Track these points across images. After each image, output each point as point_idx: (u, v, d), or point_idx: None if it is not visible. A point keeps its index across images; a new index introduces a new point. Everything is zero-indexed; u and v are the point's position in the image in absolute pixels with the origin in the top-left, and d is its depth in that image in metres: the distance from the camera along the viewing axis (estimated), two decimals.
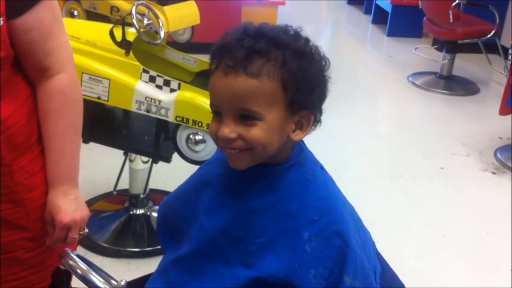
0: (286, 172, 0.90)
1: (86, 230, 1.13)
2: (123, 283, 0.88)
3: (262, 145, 0.85)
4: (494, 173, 3.25)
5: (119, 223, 2.41)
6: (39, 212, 1.10)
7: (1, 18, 0.94)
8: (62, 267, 0.92)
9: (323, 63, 0.88)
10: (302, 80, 0.84)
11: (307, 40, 0.87)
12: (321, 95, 0.89)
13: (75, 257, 0.91)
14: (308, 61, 0.85)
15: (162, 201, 1.05)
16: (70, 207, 1.07)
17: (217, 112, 0.86)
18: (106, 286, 0.87)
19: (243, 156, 0.86)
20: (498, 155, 3.42)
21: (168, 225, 1.03)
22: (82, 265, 0.89)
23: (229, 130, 0.84)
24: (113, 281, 0.89)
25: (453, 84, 4.72)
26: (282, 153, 0.90)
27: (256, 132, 0.83)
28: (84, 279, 0.89)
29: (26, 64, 1.05)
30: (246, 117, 0.83)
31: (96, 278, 0.87)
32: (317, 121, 0.91)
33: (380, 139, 3.72)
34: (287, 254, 0.85)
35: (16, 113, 1.03)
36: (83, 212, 1.10)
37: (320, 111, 0.91)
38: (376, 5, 6.64)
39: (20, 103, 1.05)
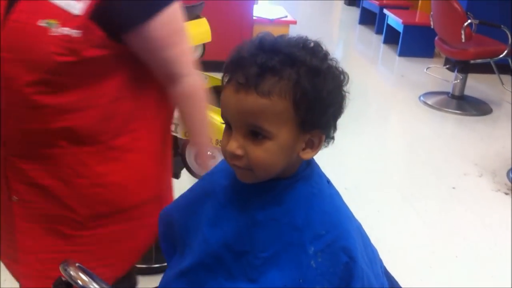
0: (292, 186, 0.88)
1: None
2: None
3: (264, 168, 0.83)
4: (507, 193, 3.20)
5: None
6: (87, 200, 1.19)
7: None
8: (63, 278, 0.91)
9: (341, 78, 0.85)
10: (315, 99, 0.81)
11: (325, 55, 0.84)
12: (336, 113, 0.86)
13: (77, 267, 0.90)
14: (323, 79, 0.81)
15: (161, 211, 1.03)
16: None
17: (228, 125, 0.85)
18: None
19: (246, 174, 0.85)
20: (511, 176, 3.37)
21: (171, 236, 1.01)
22: (84, 276, 0.88)
23: (236, 145, 0.82)
24: None
25: (465, 104, 4.69)
26: (290, 169, 0.88)
27: (261, 154, 0.82)
28: None
29: (152, 70, 1.17)
30: (256, 134, 0.81)
31: None
32: (330, 138, 0.88)
33: (392, 159, 3.69)
34: (292, 269, 0.83)
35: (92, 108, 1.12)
36: None
37: (334, 128, 0.88)
38: (388, 25, 6.66)
39: (99, 103, 1.13)
